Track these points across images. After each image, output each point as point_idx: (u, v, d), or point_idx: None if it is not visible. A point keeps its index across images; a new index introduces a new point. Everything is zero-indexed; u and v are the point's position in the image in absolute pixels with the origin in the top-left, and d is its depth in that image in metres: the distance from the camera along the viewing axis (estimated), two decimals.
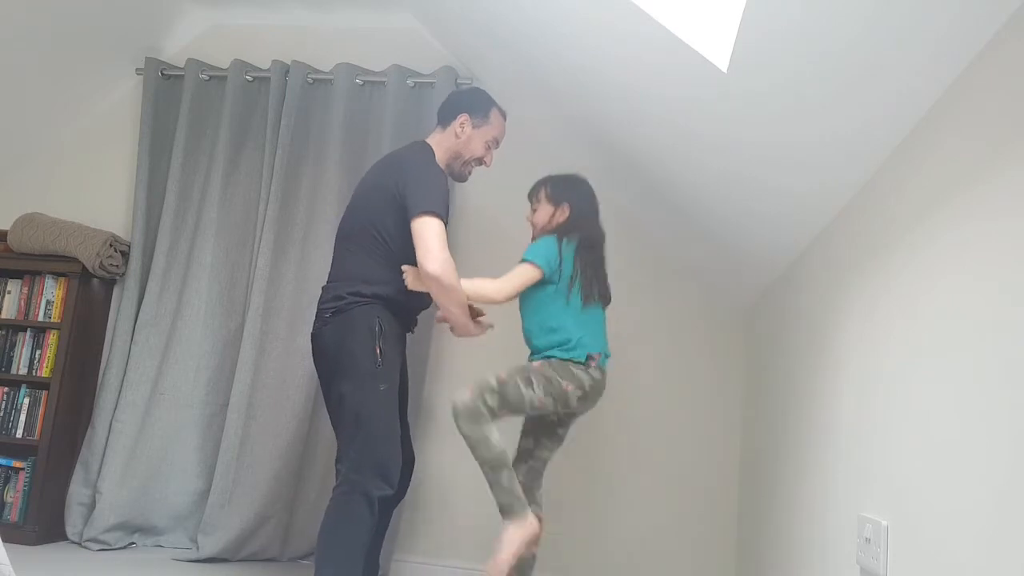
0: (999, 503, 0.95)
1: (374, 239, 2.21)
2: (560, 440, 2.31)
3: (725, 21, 1.48)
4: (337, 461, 2.17)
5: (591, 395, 2.19)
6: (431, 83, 3.16)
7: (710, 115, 1.83)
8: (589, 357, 2.16)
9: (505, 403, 2.08)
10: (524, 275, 2.18)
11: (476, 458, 2.05)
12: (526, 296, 2.23)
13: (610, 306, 3.03)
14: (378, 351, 2.15)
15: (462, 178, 2.44)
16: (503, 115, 2.45)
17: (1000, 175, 1.00)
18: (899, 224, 1.35)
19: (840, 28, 1.24)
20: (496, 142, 2.43)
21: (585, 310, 2.20)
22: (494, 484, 2.04)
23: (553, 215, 2.30)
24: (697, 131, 1.98)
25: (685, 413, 2.96)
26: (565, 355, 2.14)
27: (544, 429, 2.28)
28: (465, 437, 2.05)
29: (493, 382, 2.08)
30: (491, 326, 2.29)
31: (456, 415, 2.05)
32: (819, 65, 1.36)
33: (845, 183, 1.61)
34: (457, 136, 2.35)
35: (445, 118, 2.38)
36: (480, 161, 2.41)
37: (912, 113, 1.29)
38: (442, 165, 2.33)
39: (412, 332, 2.39)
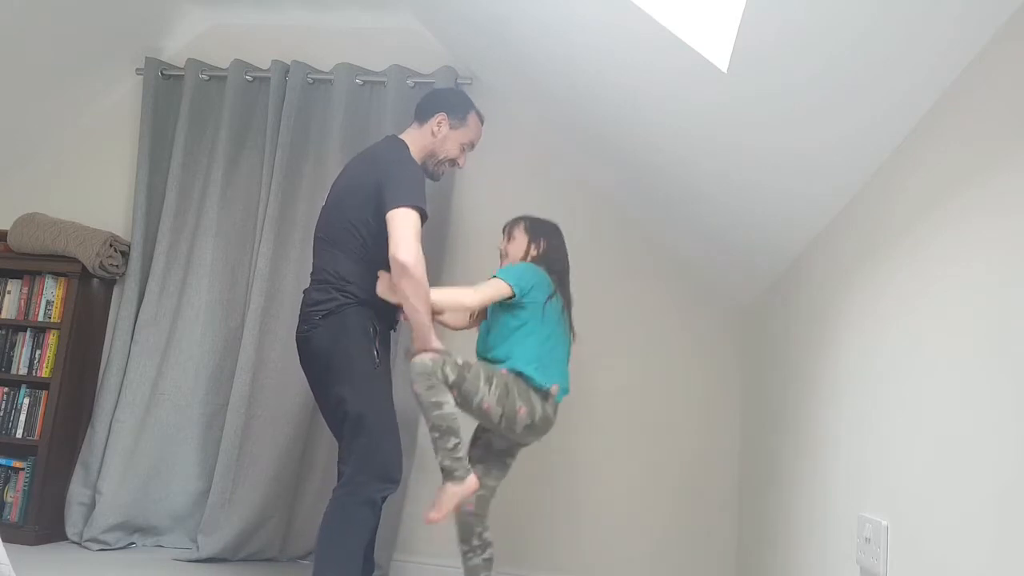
0: (1000, 503, 0.95)
1: (356, 238, 2.20)
2: (506, 470, 2.35)
3: (725, 21, 1.48)
4: (340, 461, 2.17)
5: (538, 428, 2.23)
6: (431, 83, 3.16)
7: (710, 115, 1.83)
8: (548, 390, 2.22)
9: (459, 384, 2.09)
10: (496, 288, 2.22)
11: (426, 421, 2.08)
12: (497, 322, 2.28)
13: (610, 306, 3.05)
14: (375, 352, 2.15)
15: (434, 177, 2.42)
16: (481, 119, 2.45)
17: (999, 175, 1.00)
18: (899, 224, 1.35)
19: (841, 28, 1.24)
20: (471, 145, 2.43)
21: (554, 341, 2.27)
22: (439, 448, 2.07)
23: (528, 249, 2.39)
24: (697, 131, 1.98)
25: (685, 413, 2.96)
26: (530, 374, 2.19)
27: (494, 459, 2.31)
28: (417, 397, 2.07)
29: (459, 360, 2.11)
30: (447, 352, 2.21)
31: (413, 375, 2.06)
32: (820, 65, 1.36)
33: (845, 183, 1.61)
34: (433, 135, 2.34)
35: (423, 115, 2.37)
36: (453, 162, 2.40)
37: (912, 113, 1.29)
38: (416, 159, 2.32)
39: (395, 331, 2.40)
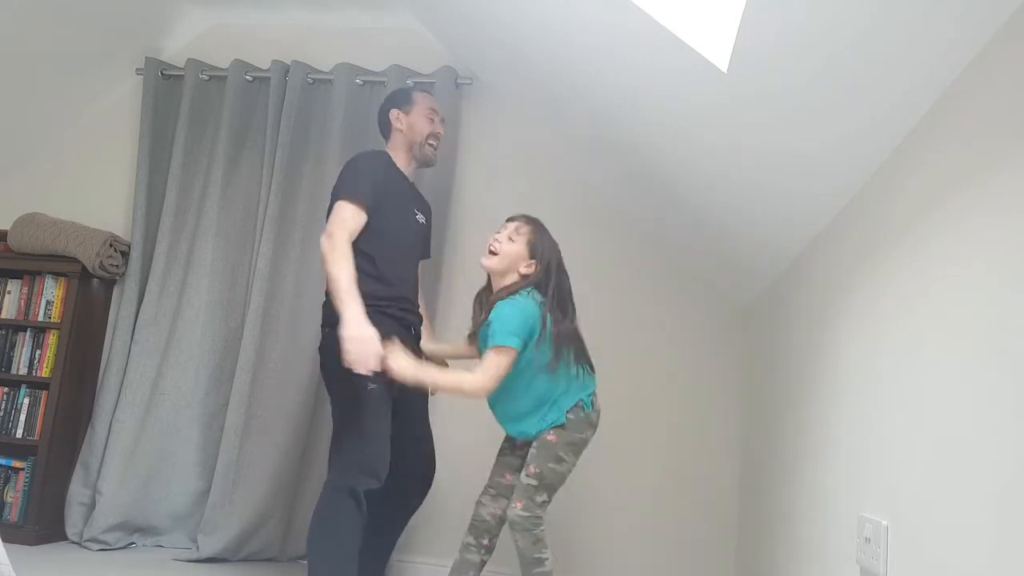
0: (1000, 503, 0.95)
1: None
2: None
3: (725, 21, 1.48)
4: (329, 459, 2.24)
5: (597, 423, 2.23)
6: (431, 83, 3.16)
7: (710, 116, 1.83)
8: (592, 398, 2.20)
9: (552, 490, 2.11)
10: (508, 358, 2.06)
11: (524, 568, 2.09)
12: (509, 378, 2.09)
13: (609, 305, 3.05)
14: None
15: (429, 160, 2.57)
16: (425, 91, 2.70)
17: (999, 175, 1.00)
18: (899, 224, 1.35)
19: (841, 28, 1.24)
20: (434, 112, 2.57)
21: (568, 365, 2.16)
22: None
23: (520, 261, 2.19)
24: (696, 131, 1.98)
25: (685, 413, 2.96)
26: (566, 418, 2.12)
27: (520, 462, 2.22)
28: (520, 552, 2.08)
29: (533, 481, 2.08)
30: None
31: (515, 531, 2.07)
32: (820, 65, 1.36)
33: (845, 183, 1.61)
34: (401, 131, 2.52)
35: (384, 126, 2.58)
36: (433, 135, 2.54)
37: (912, 113, 1.29)
38: (406, 162, 2.52)
39: (414, 332, 2.42)
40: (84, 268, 3.15)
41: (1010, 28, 1.00)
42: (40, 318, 3.19)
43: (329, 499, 2.13)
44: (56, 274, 3.20)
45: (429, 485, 2.47)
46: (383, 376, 2.18)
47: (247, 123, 3.33)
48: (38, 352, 3.17)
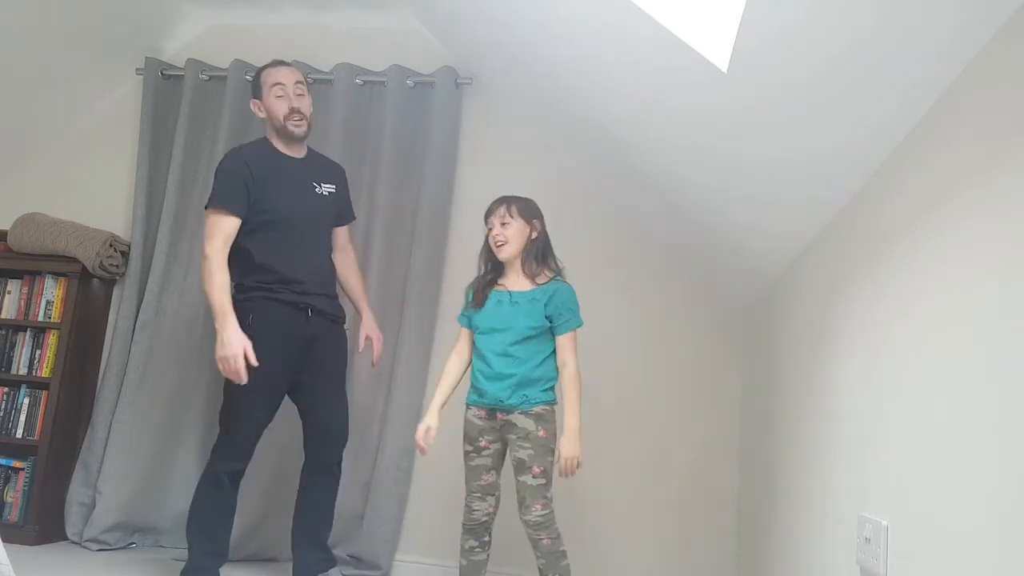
0: (1001, 502, 0.95)
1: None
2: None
3: (725, 21, 1.48)
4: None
5: None
6: (431, 83, 3.16)
7: (709, 115, 1.83)
8: None
9: (551, 482, 2.21)
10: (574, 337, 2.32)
11: (550, 570, 2.17)
12: (539, 344, 2.27)
13: (610, 306, 3.05)
14: None
15: (292, 134, 2.53)
16: (276, 65, 2.59)
17: (999, 175, 1.00)
18: (898, 224, 1.35)
19: (841, 28, 1.24)
20: (281, 86, 2.51)
21: None
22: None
23: (530, 232, 2.31)
24: (696, 132, 1.98)
25: (684, 413, 2.96)
26: (554, 396, 2.29)
27: (502, 463, 2.31)
28: (546, 550, 2.17)
29: (541, 480, 2.18)
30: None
31: (541, 530, 2.15)
32: (820, 65, 1.36)
33: (846, 183, 1.61)
34: (264, 116, 2.56)
35: (259, 119, 2.65)
36: (292, 111, 2.50)
37: (912, 113, 1.29)
38: (285, 143, 2.54)
39: (313, 314, 2.48)
40: (84, 268, 3.15)
41: (1010, 28, 1.00)
42: (40, 318, 3.19)
43: (202, 482, 2.48)
44: (56, 274, 3.20)
45: (341, 449, 2.61)
46: (262, 378, 2.34)
47: (247, 123, 3.32)
48: (38, 352, 3.17)
